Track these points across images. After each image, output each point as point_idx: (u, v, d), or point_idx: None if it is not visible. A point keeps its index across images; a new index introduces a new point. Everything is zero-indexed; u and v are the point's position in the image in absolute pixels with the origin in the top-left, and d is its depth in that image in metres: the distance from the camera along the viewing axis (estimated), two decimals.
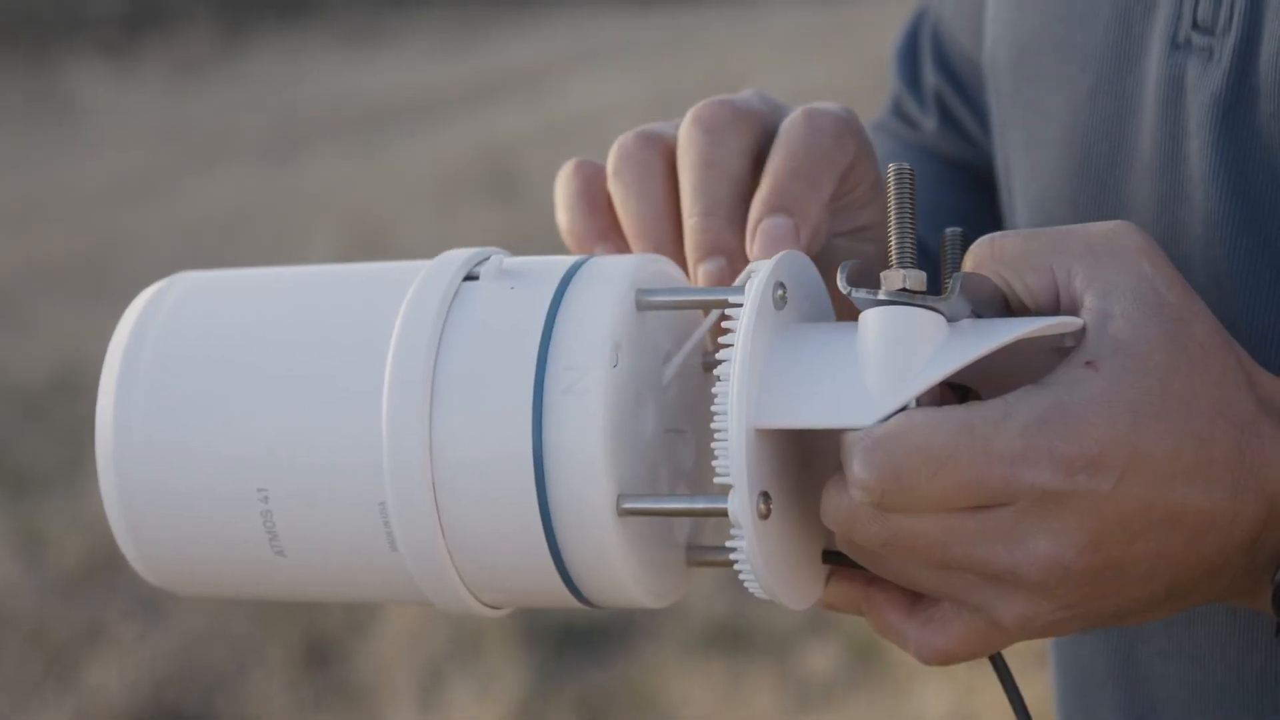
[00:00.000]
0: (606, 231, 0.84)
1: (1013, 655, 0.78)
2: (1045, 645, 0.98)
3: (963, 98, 1.07)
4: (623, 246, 0.84)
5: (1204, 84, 0.81)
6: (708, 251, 0.79)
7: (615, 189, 0.83)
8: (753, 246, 0.78)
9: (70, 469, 4.69)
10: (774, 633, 3.46)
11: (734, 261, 0.79)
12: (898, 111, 1.13)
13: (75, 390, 5.40)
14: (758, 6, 12.60)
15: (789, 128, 0.82)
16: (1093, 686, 0.94)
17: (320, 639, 3.62)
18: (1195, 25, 0.82)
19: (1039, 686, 0.78)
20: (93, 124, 10.96)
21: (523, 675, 3.37)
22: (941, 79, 1.08)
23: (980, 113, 1.06)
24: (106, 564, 4.06)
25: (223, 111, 10.81)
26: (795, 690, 3.30)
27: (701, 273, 0.79)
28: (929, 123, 1.10)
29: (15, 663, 3.67)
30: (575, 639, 3.51)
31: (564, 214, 0.85)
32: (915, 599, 0.76)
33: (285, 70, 12.41)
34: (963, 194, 1.07)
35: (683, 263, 0.81)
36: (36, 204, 8.67)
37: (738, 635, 3.48)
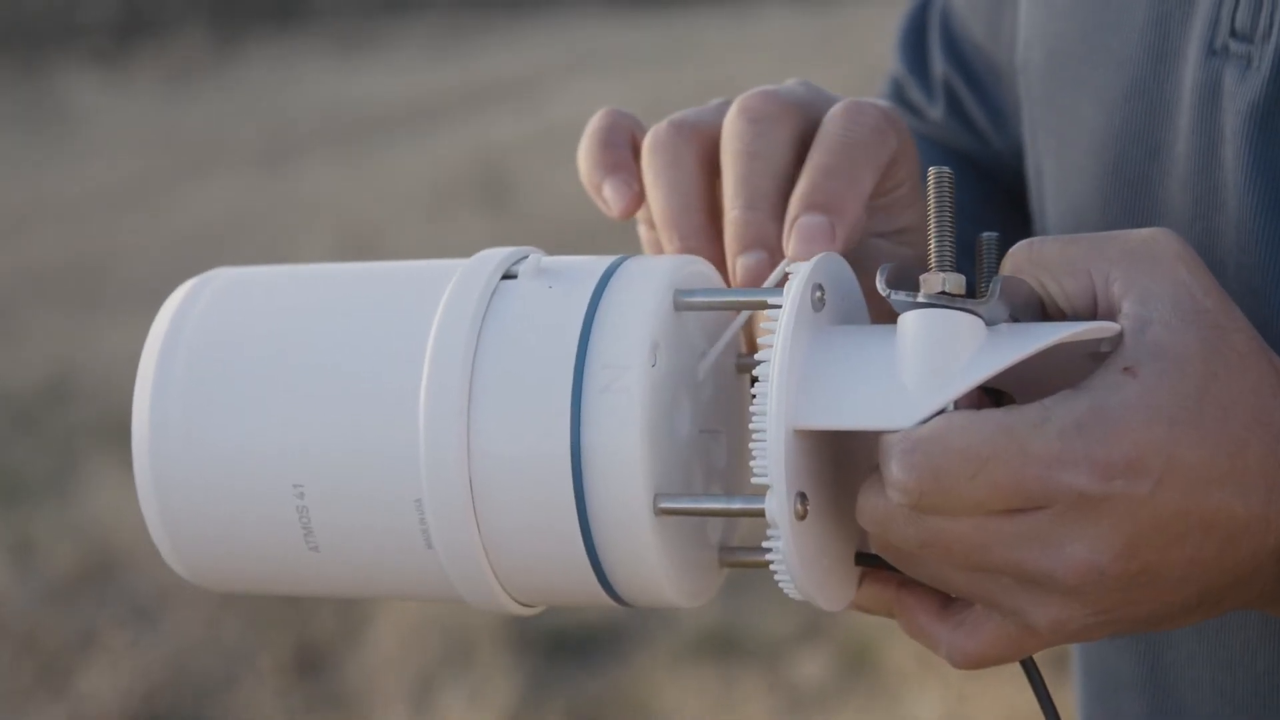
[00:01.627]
0: (614, 165, 0.83)
1: (1035, 659, 0.78)
2: (1069, 649, 0.98)
3: (972, 88, 1.06)
4: (633, 183, 0.83)
5: (1241, 91, 0.81)
6: (748, 244, 0.79)
7: (647, 177, 0.82)
8: (788, 243, 0.78)
9: (62, 477, 4.69)
10: (766, 640, 3.46)
11: (775, 255, 0.79)
12: (899, 97, 1.11)
13: (67, 398, 5.40)
14: (752, 12, 12.61)
15: (830, 122, 0.81)
16: (1119, 691, 0.94)
17: (312, 646, 3.62)
18: (1233, 33, 0.82)
19: (1061, 691, 0.78)
20: (85, 132, 10.96)
21: (514, 682, 3.37)
22: (951, 68, 1.07)
23: (990, 105, 1.05)
24: (98, 571, 4.06)
25: (215, 119, 10.81)
26: (787, 697, 3.30)
27: (740, 266, 0.79)
28: (935, 111, 1.08)
29: (7, 670, 3.66)
30: (567, 646, 3.51)
31: (582, 150, 0.85)
32: (947, 602, 0.76)
33: (278, 77, 12.41)
34: (971, 187, 1.06)
35: (711, 253, 0.81)
36: (29, 212, 8.67)
37: (729, 642, 3.48)
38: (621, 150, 0.84)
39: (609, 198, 0.83)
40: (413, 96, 10.71)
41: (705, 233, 0.81)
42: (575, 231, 6.20)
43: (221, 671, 3.59)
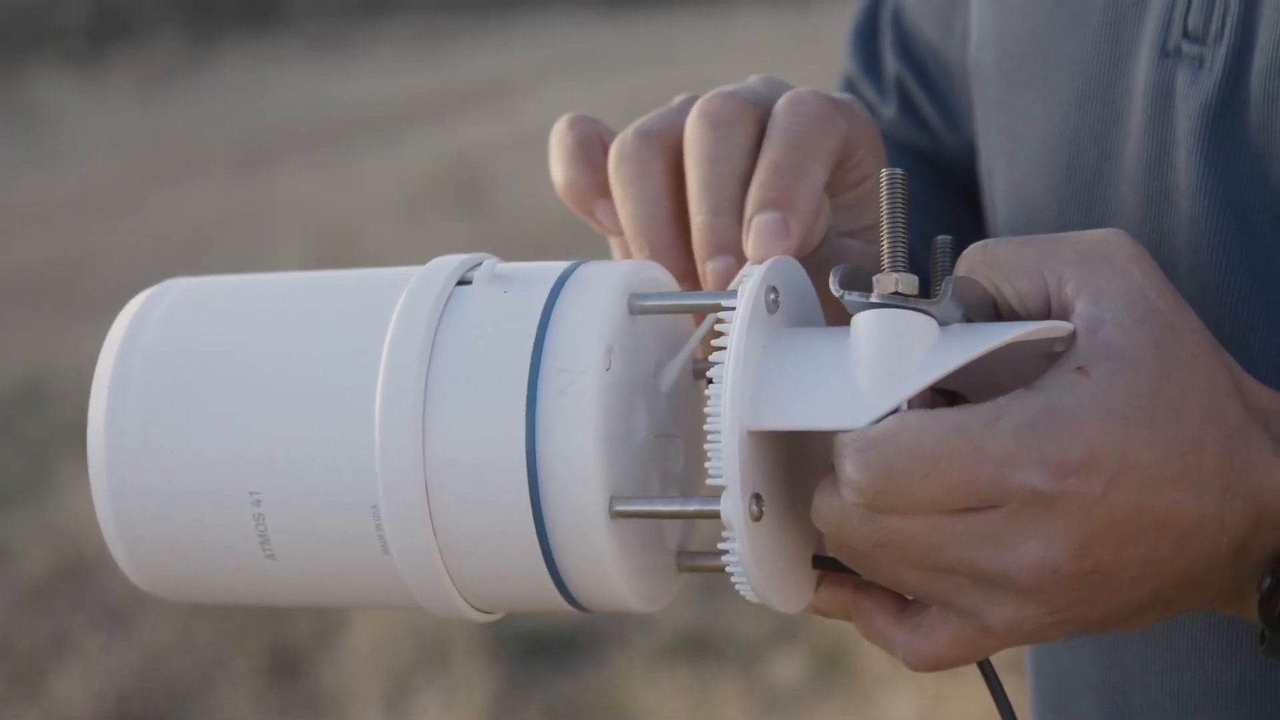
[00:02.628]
0: (605, 187, 0.83)
1: (993, 662, 0.78)
2: (1021, 651, 0.98)
3: (925, 87, 1.06)
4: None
5: (1194, 92, 0.81)
6: (715, 250, 0.79)
7: (614, 188, 0.82)
8: (748, 244, 0.78)
9: (36, 480, 4.68)
10: (741, 641, 3.46)
11: (742, 259, 0.79)
12: (852, 95, 1.11)
13: (41, 402, 5.39)
14: (726, 16, 12.62)
15: (774, 118, 0.81)
16: (1070, 693, 0.94)
17: (287, 650, 3.62)
18: (1186, 34, 0.82)
19: (1012, 693, 0.78)
20: (60, 135, 10.93)
21: (490, 685, 3.37)
22: (903, 66, 1.07)
23: (943, 104, 1.05)
24: (72, 575, 4.05)
25: (191, 122, 10.79)
26: (763, 699, 3.30)
27: (710, 272, 0.79)
28: (888, 110, 1.08)
29: None
30: (543, 648, 3.51)
31: (561, 169, 0.84)
32: (903, 605, 0.76)
33: (253, 81, 12.39)
34: (925, 184, 1.06)
35: (681, 262, 0.81)
36: (3, 215, 8.65)
37: (705, 644, 3.48)
38: (604, 170, 0.84)
39: (604, 219, 0.84)
40: (388, 100, 10.71)
41: (674, 242, 0.81)
42: (551, 233, 6.20)
43: (196, 675, 3.58)
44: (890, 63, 1.08)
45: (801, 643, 3.40)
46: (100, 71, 13.27)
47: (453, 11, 14.46)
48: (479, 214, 7.44)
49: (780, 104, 0.81)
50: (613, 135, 0.85)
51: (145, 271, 6.62)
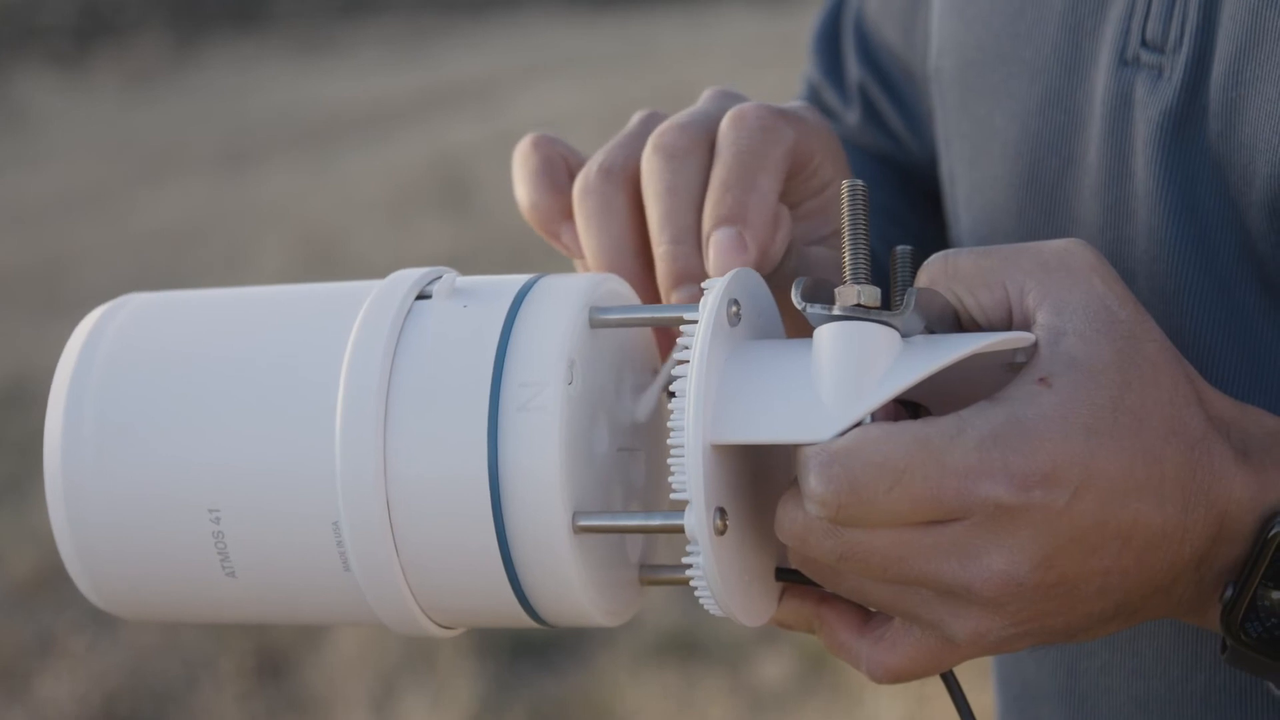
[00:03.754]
0: (570, 210, 0.83)
1: (955, 670, 0.78)
2: (987, 661, 0.98)
3: (888, 93, 1.06)
4: None
5: (1152, 101, 0.81)
6: (679, 279, 0.79)
7: (579, 222, 0.82)
8: (708, 262, 0.78)
9: (19, 482, 4.67)
10: (727, 642, 3.46)
11: None
12: (815, 101, 1.11)
13: (23, 403, 5.37)
14: (709, 17, 12.62)
15: (719, 137, 0.81)
16: (1036, 701, 0.94)
17: (272, 651, 3.61)
18: (1144, 43, 0.82)
19: (979, 702, 0.78)
20: (43, 135, 10.92)
21: (476, 686, 3.37)
22: (866, 73, 1.07)
23: (906, 110, 1.05)
24: (56, 576, 4.04)
25: (174, 122, 10.78)
26: (748, 700, 3.30)
27: (675, 300, 0.79)
28: (850, 116, 1.08)
29: None
30: (528, 650, 3.51)
31: (526, 192, 0.85)
32: (867, 617, 0.76)
33: (237, 81, 12.38)
34: (890, 190, 1.06)
35: (647, 294, 0.81)
36: None
37: (691, 645, 3.48)
38: (568, 193, 0.84)
39: (569, 243, 0.84)
40: (372, 100, 10.70)
41: (639, 274, 0.82)
42: (535, 234, 6.19)
43: (181, 676, 3.58)
44: (853, 68, 1.08)
45: (787, 643, 3.40)
46: (84, 71, 13.25)
47: (436, 12, 14.46)
48: (463, 214, 7.43)
49: (724, 122, 0.81)
50: (576, 155, 0.85)
51: (129, 272, 6.63)
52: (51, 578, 4.04)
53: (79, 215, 8.40)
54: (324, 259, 6.71)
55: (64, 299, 6.64)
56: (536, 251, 5.92)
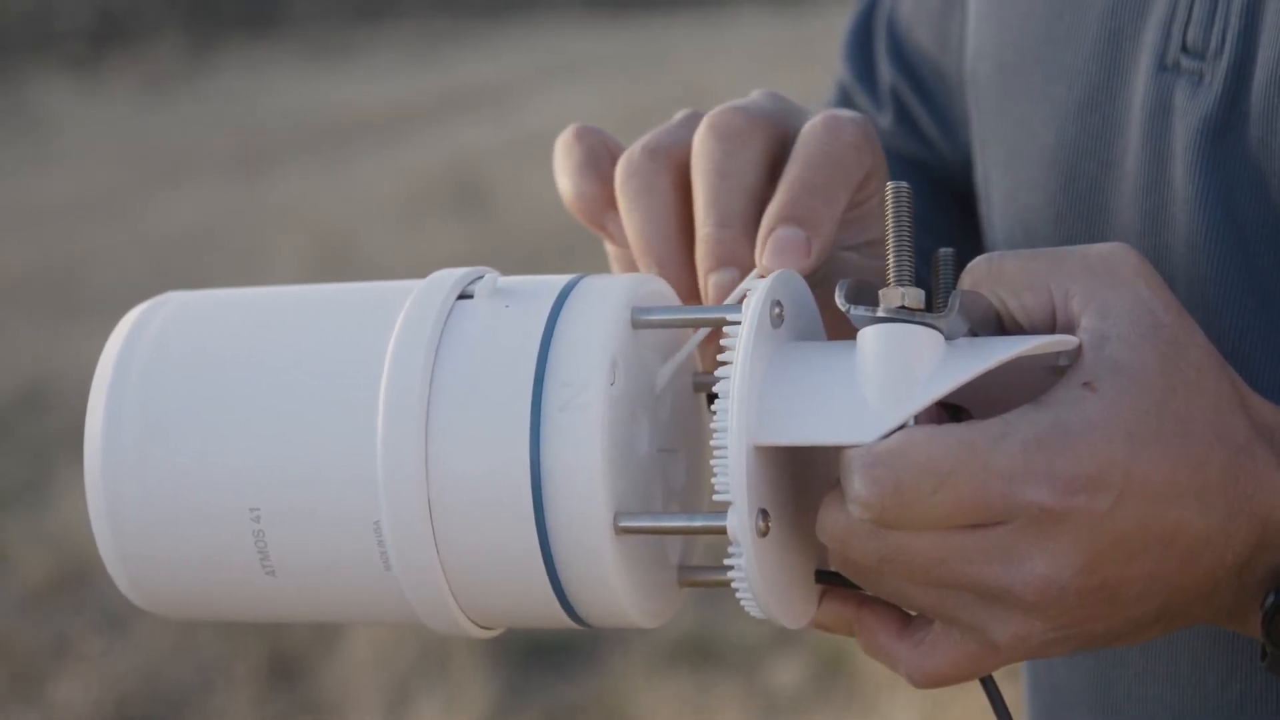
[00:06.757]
0: (615, 201, 0.83)
1: (995, 677, 0.78)
2: (1017, 667, 0.98)
3: (920, 97, 1.06)
4: None
5: (1192, 107, 0.81)
6: (719, 262, 0.79)
7: (621, 203, 0.82)
8: (761, 255, 0.78)
9: (35, 485, 4.68)
10: (741, 646, 3.46)
11: (746, 273, 0.78)
12: (846, 104, 1.10)
13: (40, 406, 5.38)
14: (725, 20, 12.63)
15: (809, 136, 0.81)
16: (1067, 708, 0.94)
17: (287, 655, 3.61)
18: (1185, 48, 0.82)
19: (1012, 703, 0.78)
20: (59, 139, 10.94)
21: (490, 690, 3.37)
22: (899, 76, 1.07)
23: (939, 114, 1.04)
24: (72, 579, 4.05)
25: (190, 126, 10.79)
26: (763, 704, 3.30)
27: (712, 283, 0.79)
28: (884, 120, 1.08)
29: None
30: (542, 653, 3.51)
31: (570, 182, 0.84)
32: (906, 621, 0.76)
33: (253, 85, 12.40)
34: (922, 195, 1.06)
35: (688, 278, 0.81)
36: (2, 219, 8.64)
37: (705, 649, 3.48)
38: (613, 182, 0.83)
39: (615, 232, 0.83)
40: (388, 104, 10.71)
41: (680, 257, 0.81)
42: (551, 239, 6.19)
43: (196, 679, 3.58)
44: (885, 72, 1.08)
45: (802, 648, 3.40)
46: (100, 75, 13.27)
47: (451, 15, 14.47)
48: (478, 218, 7.44)
49: (818, 123, 0.81)
50: (619, 146, 0.85)
51: (144, 275, 6.64)
52: (66, 581, 4.05)
53: (94, 218, 8.42)
54: (339, 262, 6.72)
55: (79, 302, 6.65)
56: (551, 255, 5.92)
